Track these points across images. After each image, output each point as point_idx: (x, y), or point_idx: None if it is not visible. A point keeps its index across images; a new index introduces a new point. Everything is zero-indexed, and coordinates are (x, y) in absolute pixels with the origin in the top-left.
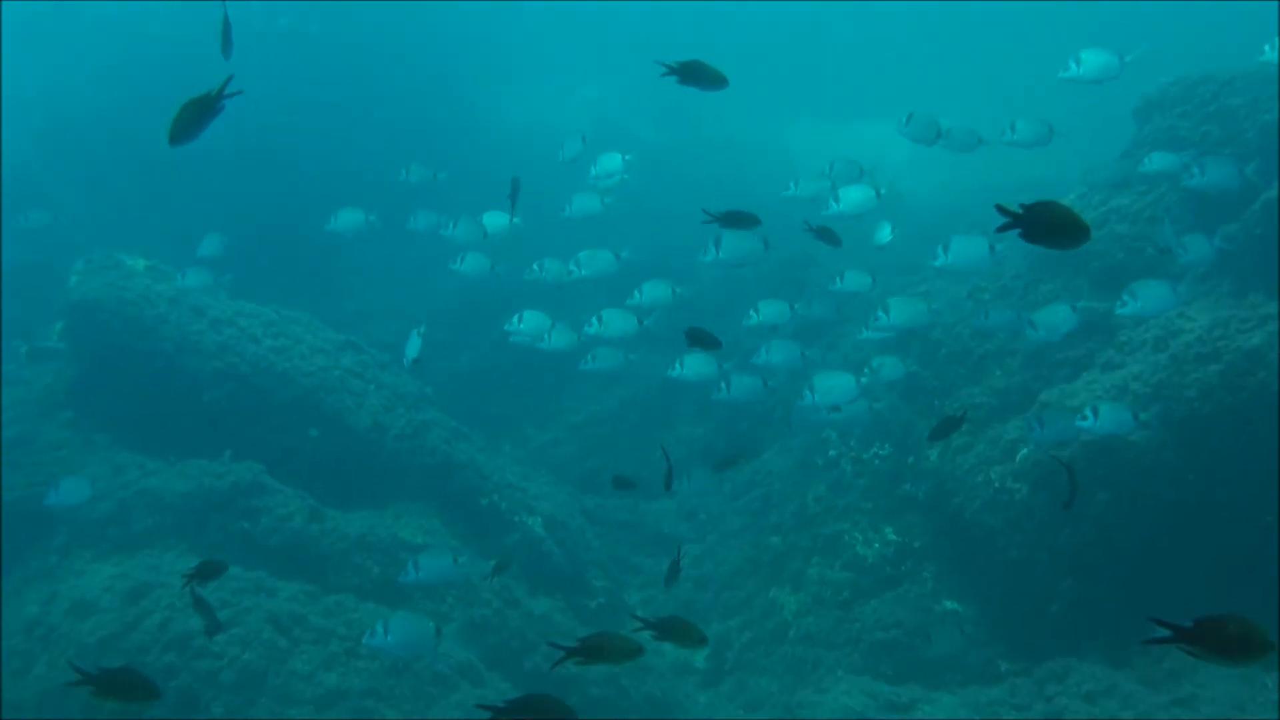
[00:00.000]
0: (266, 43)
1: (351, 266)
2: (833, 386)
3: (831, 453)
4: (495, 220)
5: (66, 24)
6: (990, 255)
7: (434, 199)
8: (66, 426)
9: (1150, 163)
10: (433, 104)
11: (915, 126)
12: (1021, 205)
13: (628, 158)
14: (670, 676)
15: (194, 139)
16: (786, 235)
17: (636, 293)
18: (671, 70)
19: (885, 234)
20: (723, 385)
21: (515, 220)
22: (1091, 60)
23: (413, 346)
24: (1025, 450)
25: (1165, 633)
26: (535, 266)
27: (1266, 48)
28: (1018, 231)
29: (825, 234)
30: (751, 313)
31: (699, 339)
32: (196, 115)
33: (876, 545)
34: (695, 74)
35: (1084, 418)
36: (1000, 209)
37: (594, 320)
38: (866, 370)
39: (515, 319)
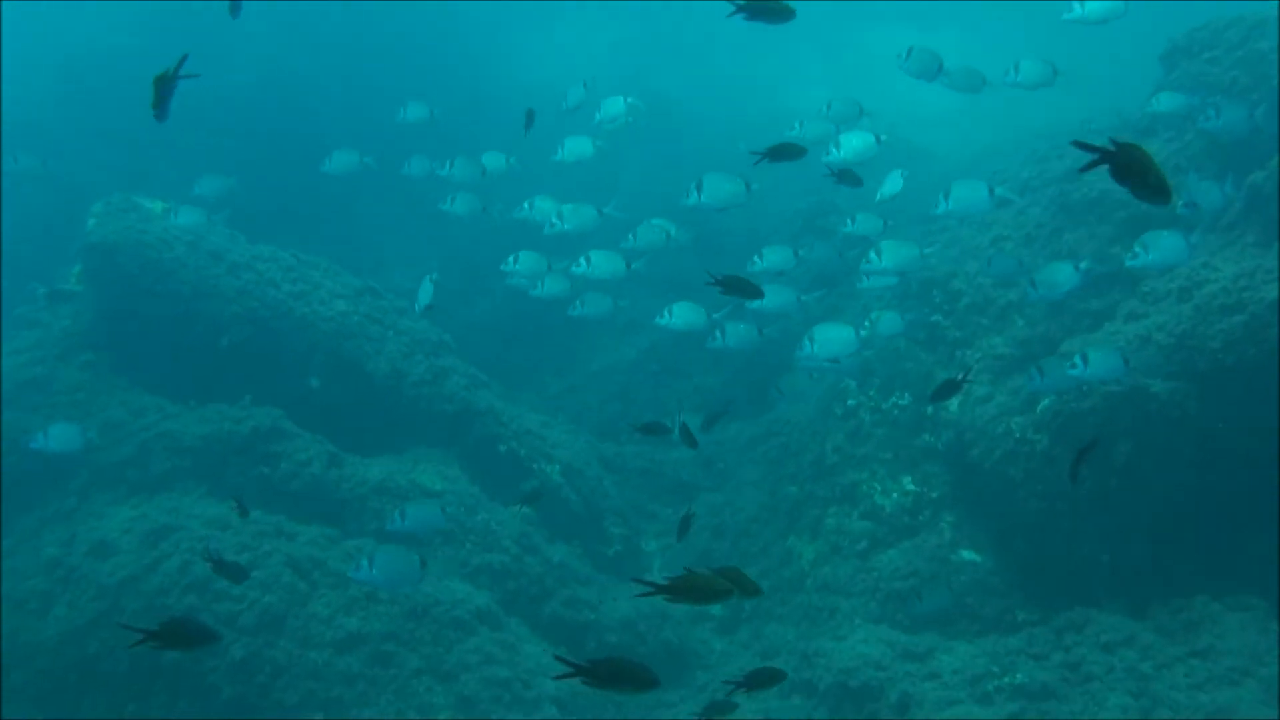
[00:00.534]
0: None
1: (371, 213)
2: (832, 338)
3: (850, 402)
4: (494, 160)
5: None
6: (990, 198)
7: (445, 146)
8: (85, 369)
9: (1159, 103)
10: (448, 49)
11: (915, 62)
12: (1113, 141)
13: (630, 100)
14: (686, 624)
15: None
16: (811, 182)
17: (630, 235)
18: (739, 9)
19: (896, 184)
20: (718, 334)
21: (512, 160)
22: (1095, 3)
23: (425, 293)
24: (1046, 401)
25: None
26: (525, 205)
27: None
28: (1107, 169)
29: (847, 176)
30: (756, 259)
31: (736, 287)
32: (160, 92)
33: (895, 495)
34: (762, 10)
35: (1073, 365)
36: (1083, 145)
37: (581, 261)
38: (866, 323)
39: (511, 259)
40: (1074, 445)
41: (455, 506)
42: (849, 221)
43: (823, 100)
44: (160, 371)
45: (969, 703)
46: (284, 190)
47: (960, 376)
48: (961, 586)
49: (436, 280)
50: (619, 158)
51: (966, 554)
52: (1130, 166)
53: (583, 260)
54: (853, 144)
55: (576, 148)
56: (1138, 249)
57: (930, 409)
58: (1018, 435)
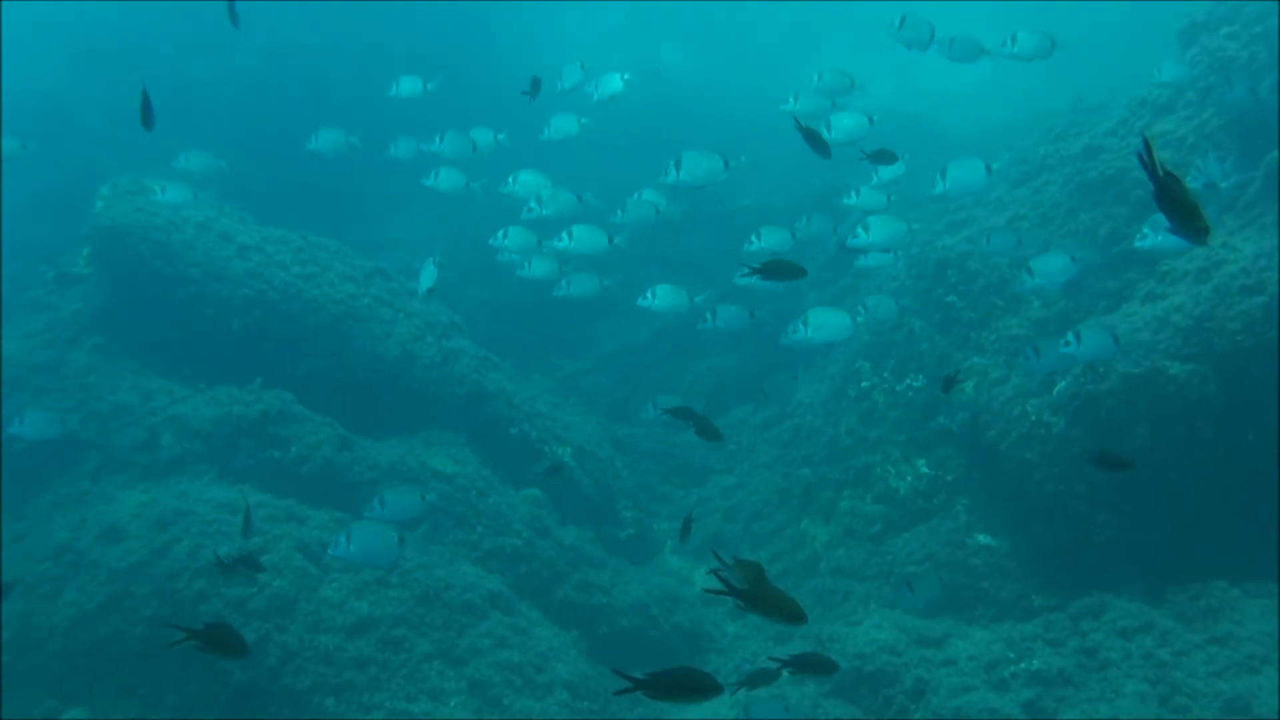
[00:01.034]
0: None
1: (381, 192)
2: (826, 323)
3: (864, 384)
4: (483, 136)
5: None
6: (987, 175)
7: (453, 123)
8: (95, 352)
9: (1162, 73)
10: (458, 28)
11: (908, 30)
12: (1164, 169)
13: (626, 77)
14: (699, 606)
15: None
16: (823, 162)
17: (619, 210)
18: None
19: (897, 168)
20: (708, 315)
21: (501, 136)
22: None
23: (428, 276)
24: (1063, 383)
25: None
26: (510, 180)
27: None
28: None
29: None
30: (753, 238)
31: (779, 271)
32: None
33: (909, 478)
34: None
35: (1066, 343)
36: (1142, 160)
37: (564, 235)
38: (860, 309)
39: (501, 234)
40: (1091, 428)
41: (457, 489)
42: (853, 194)
43: (813, 71)
44: (170, 354)
45: (984, 689)
46: (295, 169)
47: (955, 374)
48: (977, 571)
49: (440, 263)
50: (622, 133)
51: (982, 538)
52: (1166, 195)
53: (565, 235)
54: (844, 124)
55: (563, 126)
56: (1146, 230)
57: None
58: (1034, 418)
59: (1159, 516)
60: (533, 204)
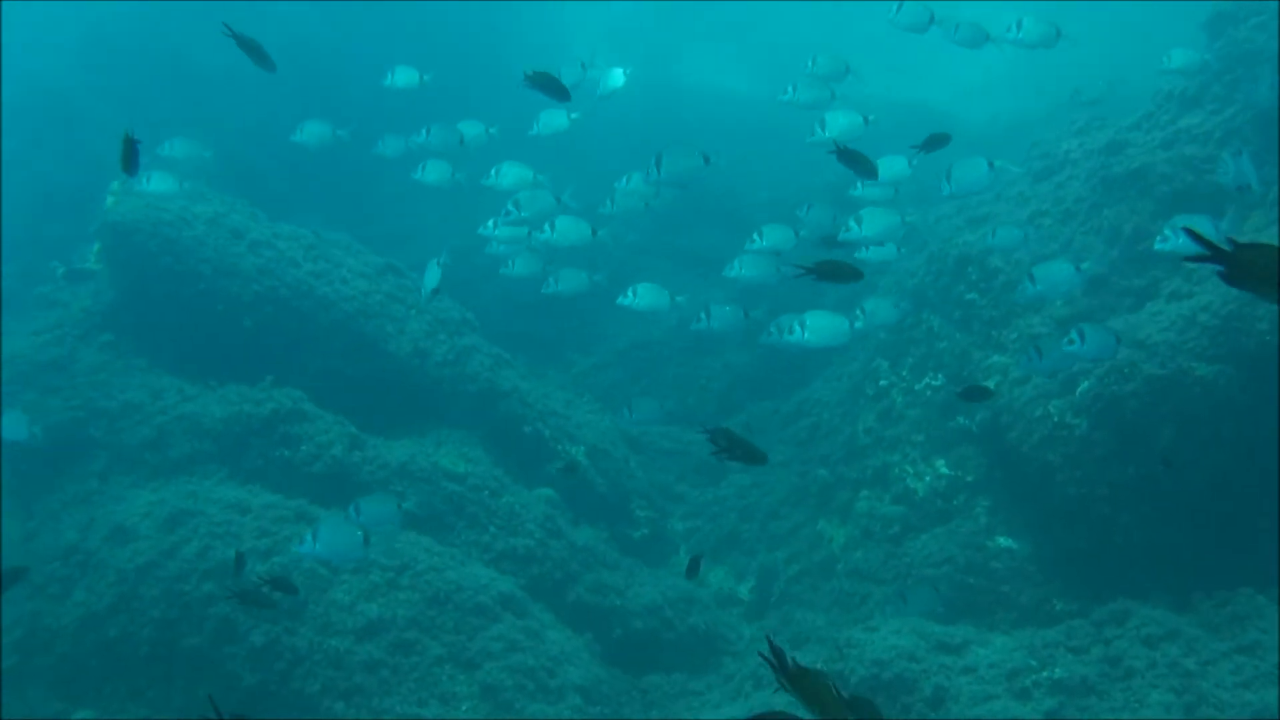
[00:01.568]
0: None
1: (393, 187)
2: (823, 326)
3: (882, 382)
4: (472, 129)
5: None
6: (990, 171)
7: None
8: (105, 350)
9: (1172, 60)
10: (472, 21)
11: (905, 15)
12: (1231, 242)
13: (628, 71)
14: (714, 608)
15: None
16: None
17: (608, 201)
18: None
19: (900, 166)
20: (702, 315)
21: (492, 130)
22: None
23: (431, 277)
24: (1086, 384)
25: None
26: (493, 172)
27: None
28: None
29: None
30: (755, 237)
31: (835, 273)
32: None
33: (928, 478)
34: None
35: (1070, 342)
36: (1193, 236)
37: (546, 227)
38: (859, 313)
39: (491, 223)
40: (1114, 430)
41: (470, 488)
42: (858, 185)
43: (808, 57)
44: (180, 351)
45: (1006, 698)
46: (307, 163)
47: (987, 387)
48: (998, 574)
49: (444, 263)
50: (630, 124)
51: (1003, 540)
52: (1251, 270)
53: (547, 226)
54: (839, 123)
55: (552, 121)
56: (1167, 232)
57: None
58: (1056, 419)
59: (1183, 520)
60: (510, 207)
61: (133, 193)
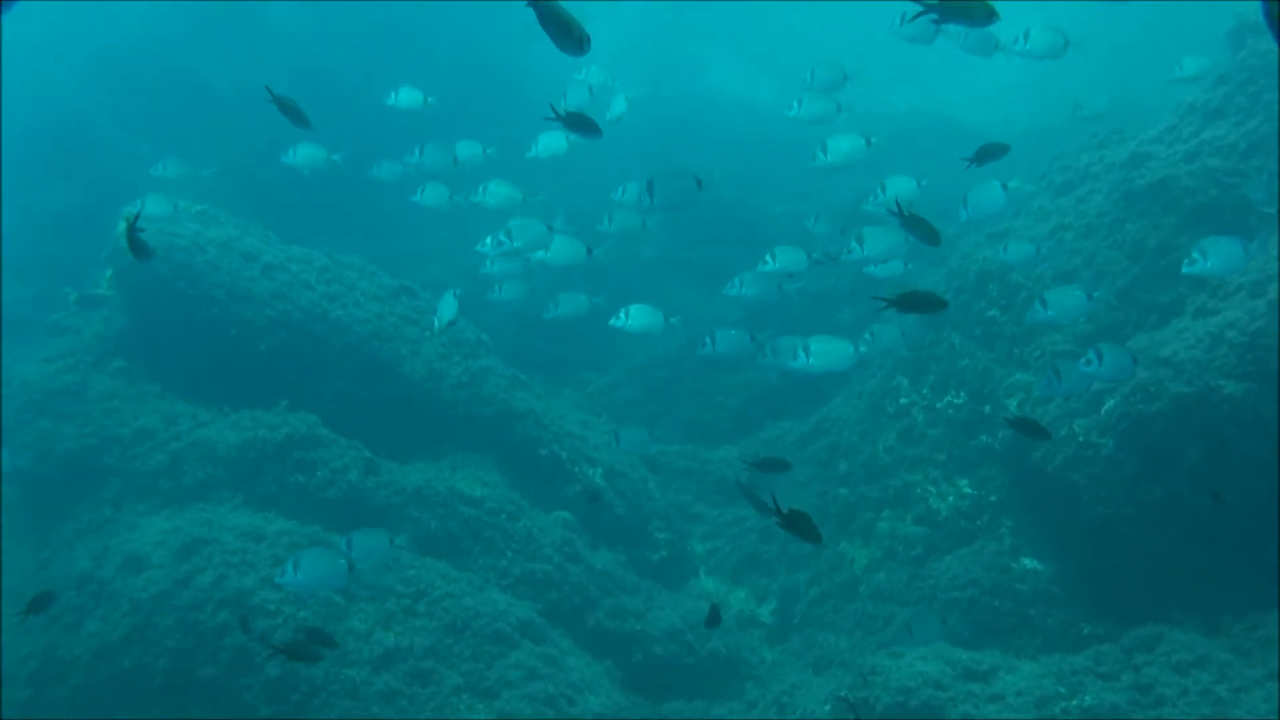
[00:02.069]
0: None
1: (405, 203)
2: (828, 351)
3: (903, 400)
4: (468, 149)
5: None
6: (1005, 194)
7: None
8: (117, 376)
9: (1184, 68)
10: (484, 41)
11: (910, 26)
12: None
13: (630, 96)
14: (735, 631)
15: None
16: (853, 169)
17: (606, 219)
18: (928, 8)
19: (908, 186)
20: (707, 340)
21: (490, 150)
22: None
23: (448, 309)
24: (1111, 403)
25: None
26: (480, 189)
27: None
28: None
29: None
30: (768, 259)
31: (919, 303)
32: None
33: (951, 498)
34: (957, 11)
35: (1088, 362)
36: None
37: (541, 252)
38: (867, 335)
39: (490, 240)
40: (1141, 449)
41: (486, 512)
42: (869, 200)
43: (807, 68)
44: (193, 377)
45: None
46: (319, 182)
47: (1044, 428)
48: (1023, 597)
49: (460, 295)
50: (642, 138)
51: (1028, 562)
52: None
53: (542, 251)
54: (840, 148)
55: (551, 144)
56: (1196, 255)
57: (987, 408)
58: (1081, 439)
59: (1212, 541)
60: (503, 237)
61: (166, 223)
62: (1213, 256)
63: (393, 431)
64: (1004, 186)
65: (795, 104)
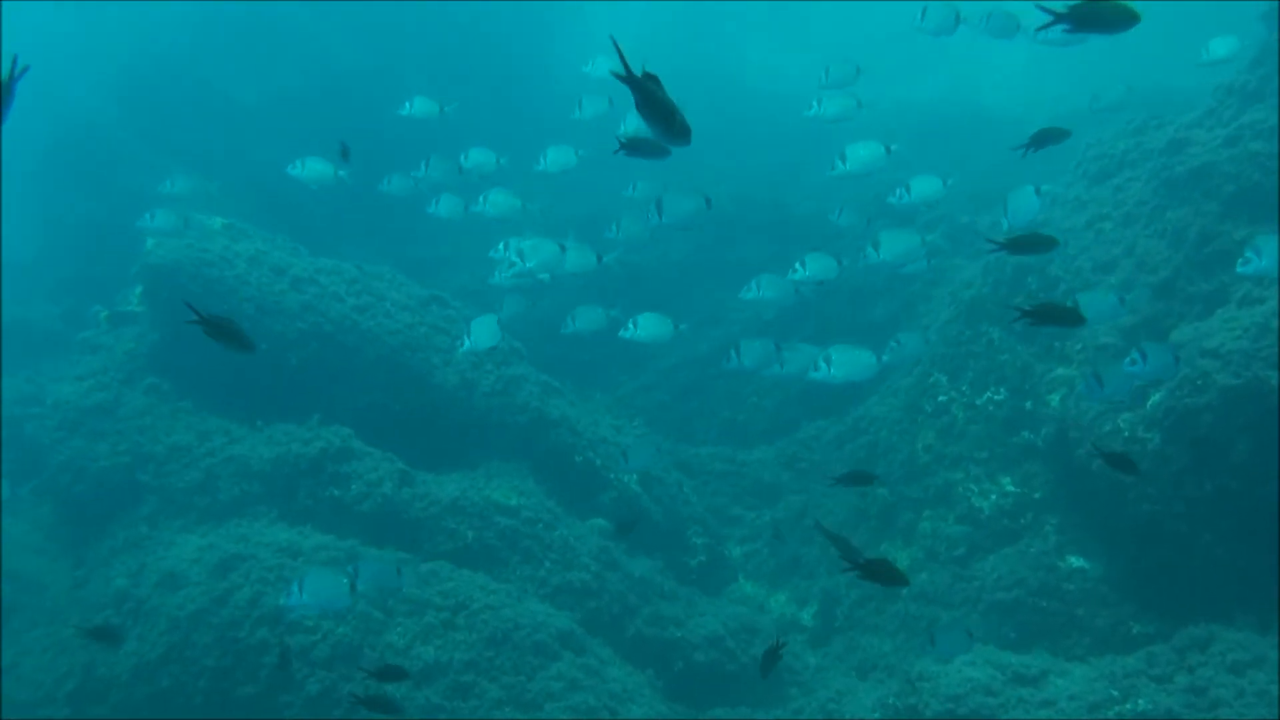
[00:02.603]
0: None
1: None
2: (849, 361)
3: (941, 398)
4: (481, 156)
5: None
6: (1038, 197)
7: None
8: (150, 393)
9: (1213, 50)
10: (506, 46)
11: (931, 20)
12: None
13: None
14: (776, 637)
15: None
16: (883, 165)
17: (614, 226)
18: (1060, 17)
19: (933, 187)
20: (732, 354)
21: (503, 160)
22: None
23: (487, 333)
24: (1157, 396)
25: None
26: (481, 199)
27: None
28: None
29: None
30: (798, 266)
31: (1055, 316)
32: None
33: (993, 496)
34: (1093, 17)
35: (1133, 362)
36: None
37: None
38: (892, 344)
39: (503, 246)
40: (1190, 443)
41: (523, 522)
42: (904, 192)
43: (821, 66)
44: (226, 392)
45: None
46: (341, 191)
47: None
48: (1071, 597)
49: (504, 320)
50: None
51: (1074, 560)
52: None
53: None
54: (859, 155)
55: (559, 158)
56: (1249, 254)
57: (1028, 404)
58: (1127, 433)
59: (1262, 537)
60: (514, 258)
61: (195, 239)
62: (1266, 255)
63: (426, 442)
64: (1037, 191)
65: (814, 103)
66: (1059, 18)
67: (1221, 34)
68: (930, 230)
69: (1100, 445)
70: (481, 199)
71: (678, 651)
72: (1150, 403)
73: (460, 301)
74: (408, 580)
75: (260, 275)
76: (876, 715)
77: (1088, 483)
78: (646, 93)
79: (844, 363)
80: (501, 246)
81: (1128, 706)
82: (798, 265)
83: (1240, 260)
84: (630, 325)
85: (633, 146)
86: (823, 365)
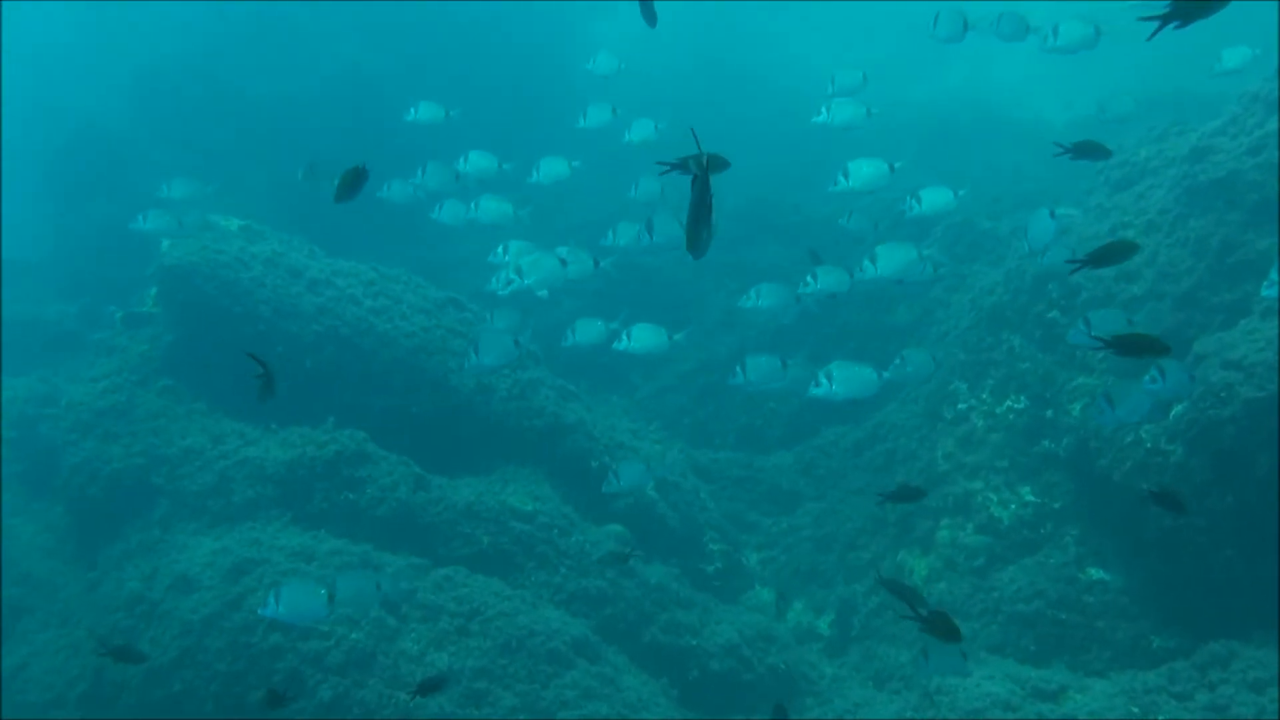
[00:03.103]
0: None
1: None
2: (851, 377)
3: (961, 406)
4: (482, 160)
5: None
6: (1054, 221)
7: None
8: (164, 394)
9: (1226, 60)
10: (525, 45)
11: (943, 26)
12: None
13: (660, 126)
14: (793, 645)
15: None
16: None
17: (610, 232)
18: (1166, 17)
19: (944, 198)
20: (738, 370)
21: (506, 166)
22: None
23: (499, 350)
24: (1180, 408)
25: None
26: (472, 205)
27: None
28: None
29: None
30: (809, 279)
31: (1139, 346)
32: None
33: (1013, 506)
34: (1196, 10)
35: (1153, 380)
36: None
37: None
38: (897, 361)
39: (501, 249)
40: (1213, 456)
41: (539, 528)
42: (914, 204)
43: (826, 77)
44: (240, 395)
45: None
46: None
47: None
48: (1091, 609)
49: (522, 343)
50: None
51: (1094, 572)
52: None
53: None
54: (862, 173)
55: (552, 170)
56: (1275, 275)
57: (1050, 413)
58: (1149, 445)
59: None
60: (512, 275)
61: (210, 240)
62: None
63: (442, 446)
64: (1052, 214)
65: (823, 109)
66: (1166, 18)
67: (1235, 44)
68: (956, 238)
69: (1151, 486)
70: (472, 205)
71: (693, 660)
72: (1173, 414)
73: (477, 305)
74: (391, 595)
75: (276, 277)
76: None
77: (1109, 494)
78: (704, 191)
79: (845, 379)
80: (500, 250)
81: None
82: (809, 278)
83: (1266, 283)
84: (624, 337)
85: (684, 167)
86: (824, 381)
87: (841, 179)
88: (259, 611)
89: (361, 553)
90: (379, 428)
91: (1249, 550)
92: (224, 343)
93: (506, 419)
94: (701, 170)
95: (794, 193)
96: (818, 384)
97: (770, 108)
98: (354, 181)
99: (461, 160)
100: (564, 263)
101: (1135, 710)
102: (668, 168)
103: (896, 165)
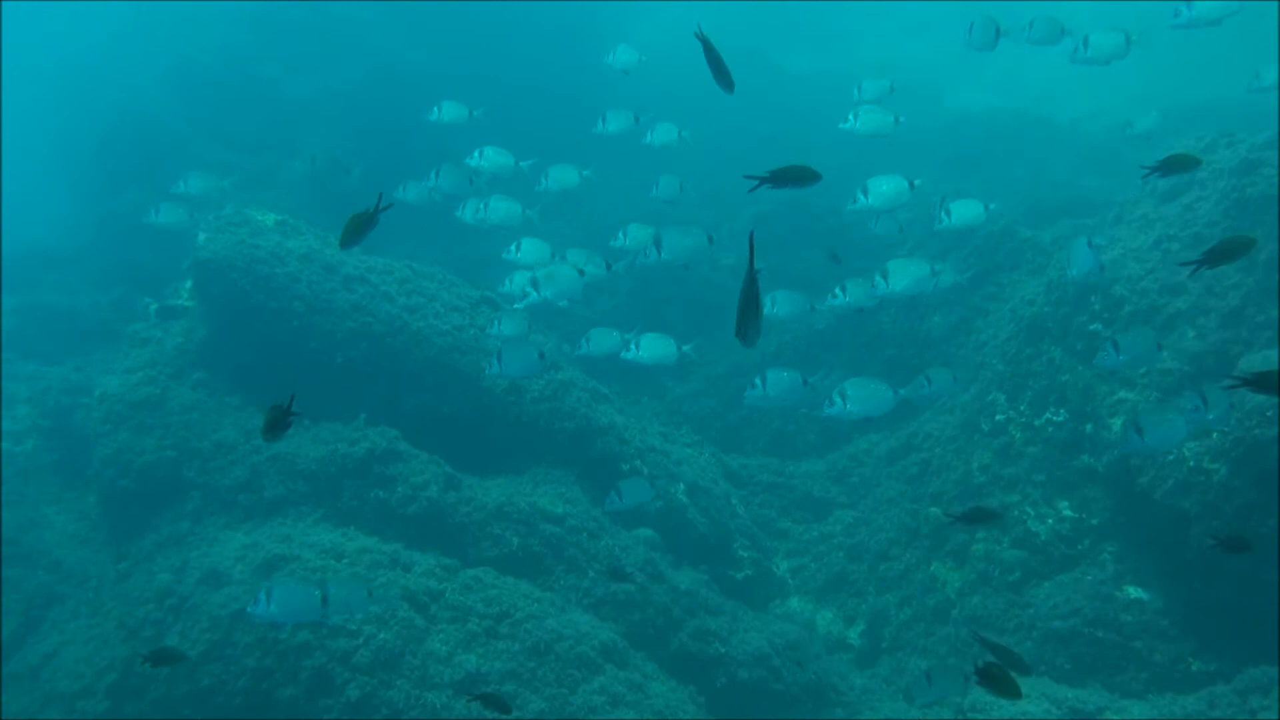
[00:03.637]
0: None
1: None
2: (866, 395)
3: (999, 417)
4: (501, 158)
5: None
6: (1091, 251)
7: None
8: (198, 388)
9: (1261, 79)
10: (557, 41)
11: (978, 35)
12: None
13: (685, 134)
14: (823, 656)
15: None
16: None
17: (621, 234)
18: None
19: (974, 211)
20: (757, 382)
21: (524, 165)
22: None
23: (522, 362)
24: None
25: None
26: (481, 205)
27: None
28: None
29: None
30: (838, 291)
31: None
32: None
33: (1050, 520)
34: None
35: (1196, 408)
36: None
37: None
38: (920, 379)
39: (513, 247)
40: (1257, 476)
41: (568, 530)
42: (944, 216)
43: (853, 85)
44: (273, 390)
45: None
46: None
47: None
48: (1128, 629)
49: (546, 353)
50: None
51: (1133, 591)
52: None
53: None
54: (882, 190)
55: (561, 177)
56: None
57: (1089, 427)
58: (1192, 464)
59: None
60: (529, 288)
61: (246, 235)
62: None
63: (473, 446)
64: (1090, 244)
65: (850, 116)
66: None
67: (1250, 45)
68: (995, 246)
69: (1217, 532)
70: (482, 206)
71: (721, 668)
72: (1216, 432)
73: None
74: (381, 602)
75: (311, 273)
76: None
77: (1149, 512)
78: (752, 285)
79: (860, 398)
80: (514, 248)
81: None
82: (837, 290)
83: None
84: (632, 347)
85: (779, 179)
86: (838, 400)
87: (861, 196)
88: (249, 610)
89: (391, 551)
90: (410, 426)
91: None
92: (258, 337)
93: (538, 420)
94: (750, 268)
95: (830, 194)
96: (831, 403)
97: (814, 102)
98: (362, 226)
99: (477, 155)
100: (581, 272)
101: None
102: (758, 182)
103: (917, 182)
